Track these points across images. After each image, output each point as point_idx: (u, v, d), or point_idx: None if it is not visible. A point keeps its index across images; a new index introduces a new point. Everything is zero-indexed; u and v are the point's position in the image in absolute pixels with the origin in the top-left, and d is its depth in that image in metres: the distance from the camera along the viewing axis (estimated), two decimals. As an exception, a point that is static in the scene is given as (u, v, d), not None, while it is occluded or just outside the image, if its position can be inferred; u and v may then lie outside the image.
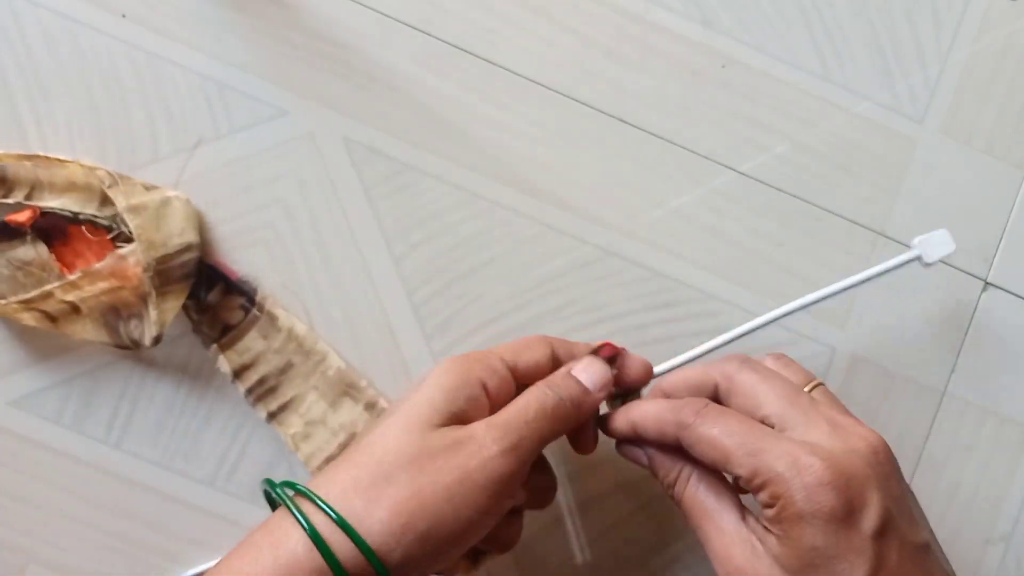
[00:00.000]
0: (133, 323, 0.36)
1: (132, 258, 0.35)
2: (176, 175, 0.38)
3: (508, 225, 0.39)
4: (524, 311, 0.39)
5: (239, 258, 0.38)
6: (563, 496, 0.38)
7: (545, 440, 0.31)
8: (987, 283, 0.41)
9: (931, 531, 0.31)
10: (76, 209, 0.36)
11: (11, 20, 0.38)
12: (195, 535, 0.37)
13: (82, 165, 0.37)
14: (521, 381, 0.32)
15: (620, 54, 0.40)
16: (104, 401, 0.37)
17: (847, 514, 0.28)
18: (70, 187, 0.36)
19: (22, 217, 0.36)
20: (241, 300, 0.37)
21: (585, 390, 0.32)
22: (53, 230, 0.36)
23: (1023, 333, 0.41)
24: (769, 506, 0.29)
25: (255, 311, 0.37)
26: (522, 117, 0.39)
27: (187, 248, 0.36)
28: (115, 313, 0.36)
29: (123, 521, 0.36)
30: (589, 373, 0.32)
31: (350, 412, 0.37)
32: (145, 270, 0.35)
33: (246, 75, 0.38)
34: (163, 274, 0.35)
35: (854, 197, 0.40)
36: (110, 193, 0.36)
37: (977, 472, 0.40)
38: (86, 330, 0.36)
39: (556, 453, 0.38)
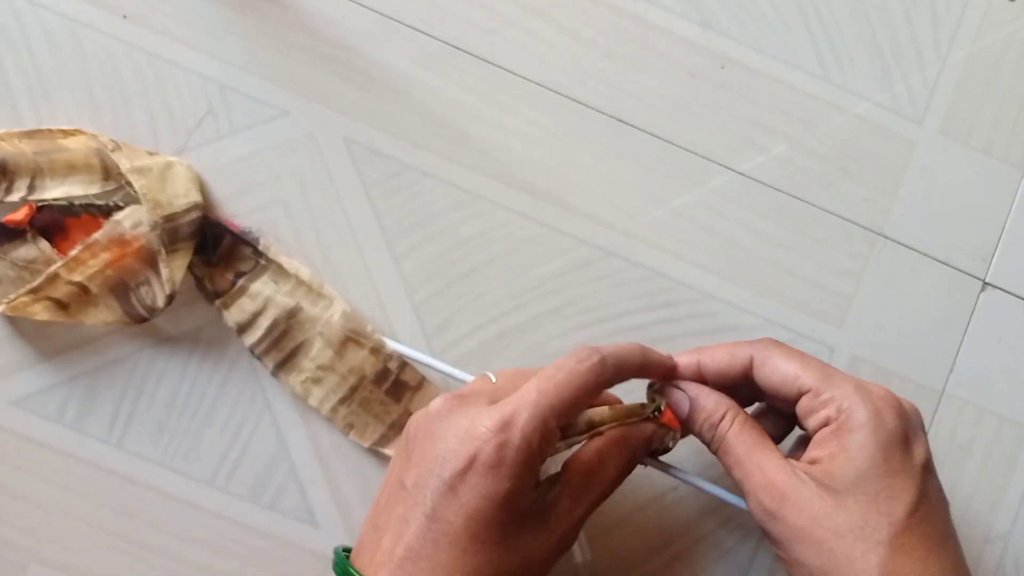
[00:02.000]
0: (143, 291, 0.36)
1: (128, 222, 0.35)
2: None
3: (508, 225, 0.39)
4: (524, 311, 0.39)
5: (240, 258, 0.38)
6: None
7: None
8: (985, 283, 0.41)
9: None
10: (79, 192, 0.36)
11: (13, 20, 0.38)
12: (196, 534, 0.37)
13: (87, 133, 0.37)
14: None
15: (619, 55, 0.40)
16: (105, 401, 0.37)
17: (904, 441, 0.30)
18: (71, 171, 0.36)
19: (19, 216, 0.36)
20: (249, 250, 0.37)
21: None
22: (51, 226, 0.36)
23: (1021, 333, 0.41)
24: (828, 423, 0.30)
25: (262, 261, 0.37)
26: (522, 117, 0.39)
27: (193, 207, 0.36)
28: (124, 286, 0.36)
29: (124, 520, 0.37)
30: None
31: (355, 356, 0.37)
32: (153, 228, 0.35)
33: (247, 76, 0.38)
34: (171, 232, 0.35)
35: (853, 197, 0.40)
36: (114, 157, 0.36)
37: (975, 472, 0.40)
38: (99, 312, 0.36)
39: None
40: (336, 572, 0.30)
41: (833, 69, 0.41)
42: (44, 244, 0.36)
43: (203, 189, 0.37)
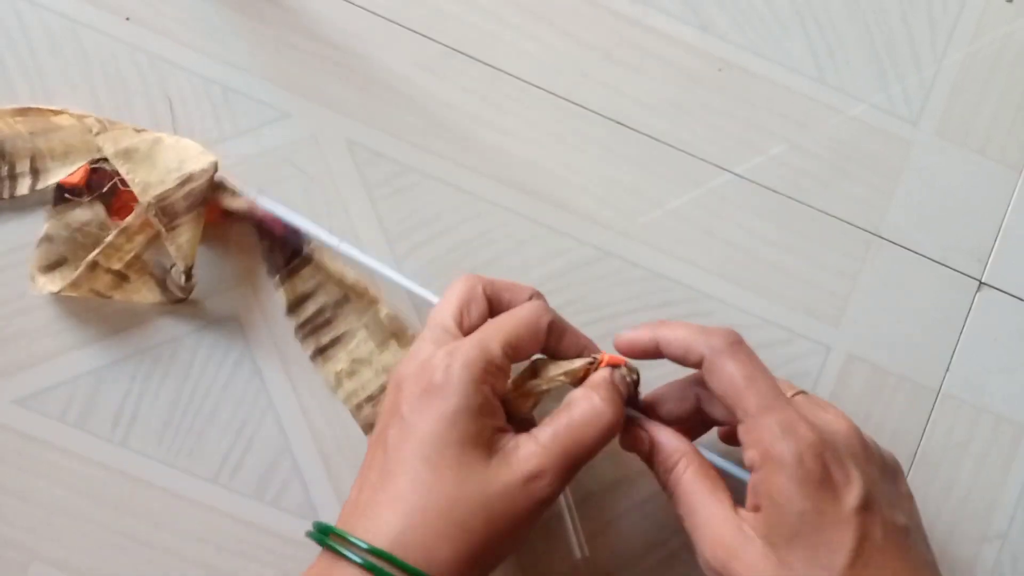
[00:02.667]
0: (174, 271, 0.36)
1: (137, 220, 0.36)
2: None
3: (508, 226, 0.39)
4: (524, 311, 0.39)
5: (241, 258, 0.38)
6: (562, 493, 0.38)
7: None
8: (982, 283, 0.41)
9: (911, 518, 0.32)
10: (79, 157, 0.36)
11: (15, 21, 0.38)
12: (199, 532, 0.37)
13: (71, 114, 0.37)
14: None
15: (618, 58, 0.40)
16: (109, 399, 0.37)
17: (832, 485, 0.29)
18: (69, 149, 0.37)
19: (75, 178, 0.36)
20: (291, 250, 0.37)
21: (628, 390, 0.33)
22: (105, 187, 0.36)
23: (1018, 332, 0.41)
24: (757, 467, 0.30)
25: (315, 245, 0.37)
26: (521, 120, 0.40)
27: (187, 179, 0.36)
28: (161, 268, 0.36)
29: (127, 518, 0.37)
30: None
31: (395, 355, 0.37)
32: (148, 211, 0.35)
33: (249, 77, 0.39)
34: (167, 210, 0.35)
35: (849, 198, 0.41)
36: (99, 141, 0.36)
37: (972, 471, 0.40)
38: (143, 294, 0.36)
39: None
40: (315, 539, 0.30)
41: (829, 71, 0.41)
42: (99, 208, 0.36)
43: (206, 151, 0.37)
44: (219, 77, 0.38)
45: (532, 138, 0.40)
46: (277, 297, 0.37)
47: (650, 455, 0.32)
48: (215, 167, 0.36)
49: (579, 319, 0.39)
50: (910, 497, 0.33)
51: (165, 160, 0.36)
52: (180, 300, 0.37)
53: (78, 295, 0.36)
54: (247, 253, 0.38)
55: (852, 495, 0.29)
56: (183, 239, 0.35)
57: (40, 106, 0.37)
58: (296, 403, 0.38)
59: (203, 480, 0.37)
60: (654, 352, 0.33)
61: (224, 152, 0.38)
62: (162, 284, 0.37)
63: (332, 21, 0.39)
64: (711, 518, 0.30)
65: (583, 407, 0.31)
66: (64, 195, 0.36)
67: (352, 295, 0.37)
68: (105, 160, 0.36)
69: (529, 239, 0.39)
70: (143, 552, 0.37)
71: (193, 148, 0.37)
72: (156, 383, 0.37)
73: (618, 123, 0.40)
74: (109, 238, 0.35)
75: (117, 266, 0.36)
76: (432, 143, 0.39)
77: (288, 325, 0.38)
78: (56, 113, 0.37)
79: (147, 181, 0.35)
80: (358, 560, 0.28)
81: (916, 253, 0.41)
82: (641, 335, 0.33)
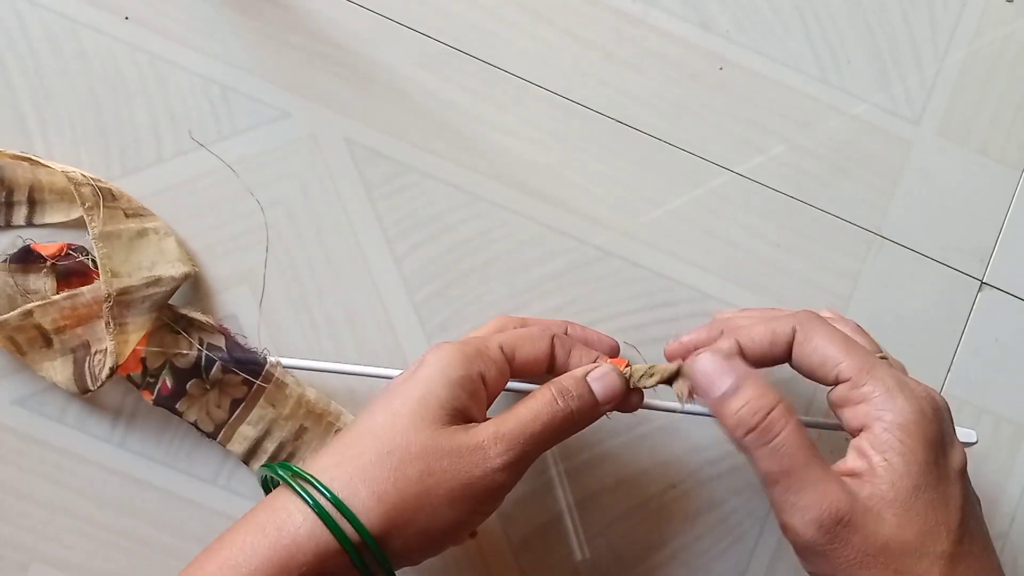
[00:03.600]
0: (97, 359, 0.35)
1: (91, 295, 0.35)
2: (178, 174, 0.38)
3: (508, 226, 0.39)
4: (524, 310, 0.39)
5: (242, 259, 0.38)
6: (562, 493, 0.38)
7: (546, 448, 0.31)
8: (983, 283, 0.41)
9: None
10: (78, 214, 0.36)
11: (15, 21, 0.38)
12: (198, 532, 0.37)
13: (69, 178, 0.36)
14: (517, 373, 0.32)
15: (618, 56, 0.40)
16: (108, 400, 0.37)
17: (943, 444, 0.28)
18: (64, 193, 0.36)
19: (50, 250, 0.36)
20: (240, 377, 0.36)
21: (596, 403, 0.31)
22: (74, 273, 0.36)
23: (1019, 332, 0.41)
24: (865, 429, 0.28)
25: (261, 383, 0.36)
26: (521, 119, 0.40)
27: (154, 282, 0.35)
28: (85, 349, 0.35)
29: (126, 519, 0.37)
30: (604, 384, 0.31)
31: None
32: (106, 300, 0.34)
33: (249, 77, 0.39)
34: (123, 304, 0.34)
35: (851, 198, 0.40)
36: (86, 217, 0.35)
37: (973, 471, 0.39)
38: (53, 367, 0.35)
39: (555, 450, 0.38)
40: (273, 476, 0.30)
41: (831, 70, 0.41)
42: (51, 283, 0.36)
43: (185, 259, 0.37)
44: (218, 76, 0.38)
45: (532, 137, 0.39)
46: (231, 449, 0.36)
47: (732, 392, 0.29)
48: (185, 277, 0.36)
49: (580, 319, 0.39)
50: None
51: (140, 255, 0.35)
52: (85, 391, 0.35)
53: None
54: (246, 252, 0.38)
55: (957, 456, 0.29)
56: (124, 338, 0.34)
57: (41, 160, 0.36)
58: (296, 403, 0.38)
59: (202, 481, 0.37)
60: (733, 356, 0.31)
61: (222, 151, 0.38)
62: (79, 367, 0.35)
63: (331, 20, 0.39)
64: (821, 481, 0.27)
65: (544, 396, 0.31)
66: (29, 256, 0.36)
67: (309, 421, 0.36)
68: (82, 246, 0.36)
69: (529, 239, 0.39)
70: (142, 552, 0.37)
71: (173, 252, 0.36)
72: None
73: (619, 122, 0.40)
74: (56, 296, 0.35)
75: (48, 325, 0.35)
76: (432, 142, 0.39)
77: (287, 327, 0.37)
78: (53, 172, 0.36)
79: (116, 270, 0.34)
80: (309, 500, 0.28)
81: (917, 253, 0.41)
82: (724, 347, 0.31)
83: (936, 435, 0.28)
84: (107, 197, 0.36)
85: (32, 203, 0.37)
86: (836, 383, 0.30)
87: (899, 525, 0.27)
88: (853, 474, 0.28)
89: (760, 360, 0.31)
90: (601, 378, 0.31)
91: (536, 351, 0.32)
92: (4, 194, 0.36)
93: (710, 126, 0.40)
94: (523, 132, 0.39)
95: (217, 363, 0.35)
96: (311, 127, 0.39)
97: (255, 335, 0.38)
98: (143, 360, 0.36)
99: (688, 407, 0.32)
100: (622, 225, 0.40)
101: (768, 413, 0.28)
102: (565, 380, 0.31)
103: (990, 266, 0.41)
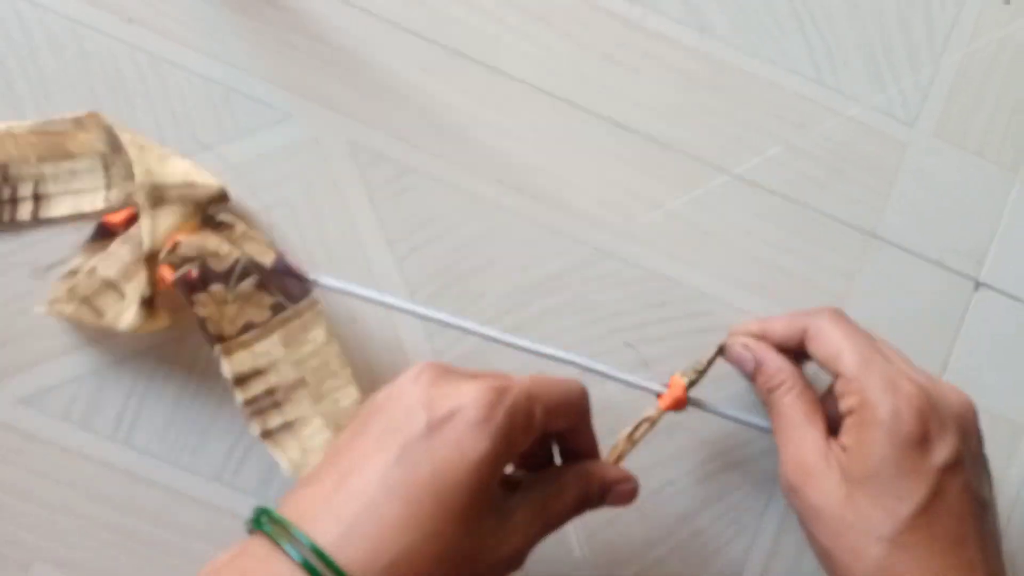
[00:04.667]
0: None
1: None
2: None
3: (508, 227, 0.39)
4: (524, 311, 0.39)
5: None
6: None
7: None
8: (979, 283, 0.41)
9: (994, 500, 0.33)
10: (87, 207, 0.36)
11: (15, 22, 0.38)
12: (202, 530, 0.37)
13: (96, 121, 0.35)
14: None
15: (617, 59, 0.40)
16: (112, 398, 0.37)
17: (922, 441, 0.30)
18: (74, 177, 0.36)
19: (117, 218, 0.35)
20: (272, 300, 0.33)
21: (599, 504, 0.32)
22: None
23: (1014, 332, 0.41)
24: (853, 412, 0.31)
25: (289, 313, 0.33)
26: (522, 121, 0.40)
27: (189, 185, 0.34)
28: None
29: (130, 517, 0.37)
30: (617, 499, 0.32)
31: None
32: (137, 192, 0.33)
33: (251, 79, 0.39)
34: (157, 194, 0.33)
35: (847, 199, 0.41)
36: (116, 130, 0.34)
37: (968, 469, 0.40)
38: (133, 312, 0.34)
39: (554, 450, 0.38)
40: (253, 525, 0.26)
41: (827, 72, 0.41)
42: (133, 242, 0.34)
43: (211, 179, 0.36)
44: (220, 78, 0.38)
45: (532, 139, 0.40)
46: (222, 366, 0.34)
47: (754, 374, 0.34)
48: (220, 193, 0.35)
49: (578, 319, 0.39)
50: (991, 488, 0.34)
51: (175, 166, 0.35)
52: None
53: (70, 310, 0.34)
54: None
55: (941, 452, 0.30)
56: (162, 219, 0.33)
57: (64, 117, 0.36)
58: (297, 402, 0.38)
59: (206, 478, 0.37)
60: (757, 338, 0.35)
61: (225, 153, 0.38)
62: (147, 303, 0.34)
63: (333, 22, 0.39)
64: (801, 440, 0.32)
65: (574, 493, 0.30)
66: (104, 232, 0.35)
67: (314, 376, 0.34)
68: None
69: (529, 240, 0.39)
70: (146, 551, 0.37)
71: (209, 176, 0.36)
72: (159, 381, 0.37)
73: (617, 124, 0.40)
74: (112, 246, 0.34)
75: (115, 275, 0.34)
76: (433, 144, 0.39)
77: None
78: (80, 125, 0.36)
79: (151, 168, 0.34)
80: (296, 557, 0.25)
81: (913, 253, 0.41)
82: (750, 327, 0.36)
83: (909, 433, 0.30)
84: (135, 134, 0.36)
85: (37, 198, 0.37)
86: (839, 376, 0.32)
87: (848, 498, 0.30)
88: (843, 447, 0.31)
89: (782, 347, 0.35)
90: (619, 495, 0.32)
91: (572, 422, 0.31)
92: (9, 191, 0.36)
93: (707, 128, 0.40)
94: (523, 134, 0.40)
95: (253, 277, 0.33)
96: (314, 129, 0.39)
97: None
98: (177, 244, 0.33)
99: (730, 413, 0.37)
100: (620, 226, 0.40)
101: (777, 386, 0.33)
102: (594, 484, 0.31)
103: (986, 267, 0.41)
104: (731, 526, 0.39)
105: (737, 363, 0.35)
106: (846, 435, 0.31)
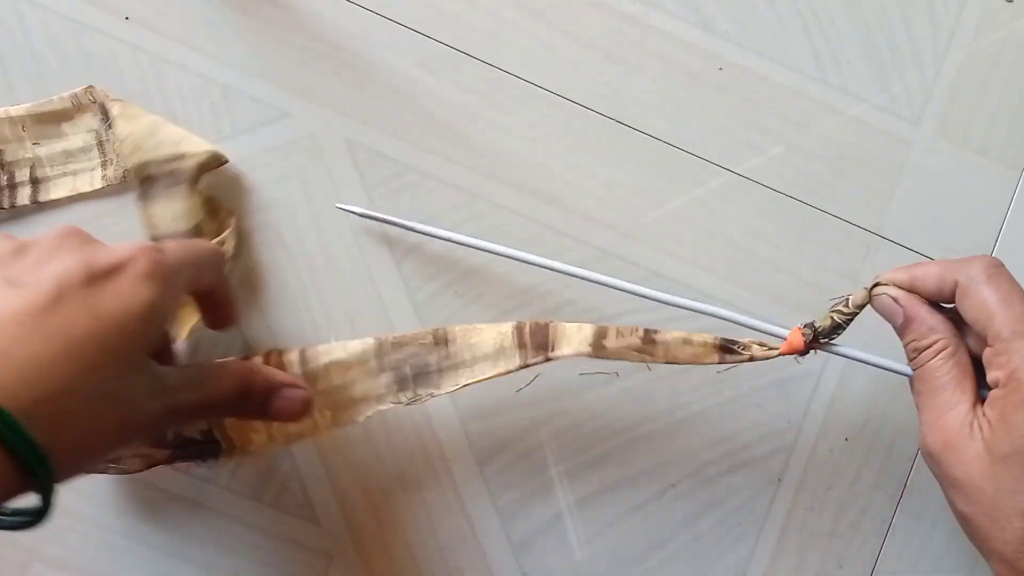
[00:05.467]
0: None
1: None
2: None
3: (508, 226, 0.39)
4: (524, 311, 0.39)
5: (243, 258, 0.38)
6: (562, 493, 0.38)
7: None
8: (982, 283, 0.41)
9: None
10: (86, 187, 0.36)
11: (16, 22, 0.38)
12: (199, 532, 0.37)
13: (93, 88, 0.37)
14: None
15: (618, 57, 0.40)
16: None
17: None
18: (68, 158, 0.37)
19: None
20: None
21: (263, 410, 0.32)
22: None
23: (1018, 333, 0.41)
24: (1000, 385, 0.30)
25: None
26: (521, 119, 0.40)
27: (179, 157, 0.35)
28: None
29: (128, 519, 0.37)
30: (285, 404, 0.32)
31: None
32: (129, 172, 0.35)
33: (249, 77, 0.39)
34: (144, 173, 0.35)
35: (850, 198, 0.41)
36: (109, 105, 0.35)
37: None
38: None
39: (555, 451, 0.38)
40: None
41: (831, 71, 0.41)
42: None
43: (211, 147, 0.36)
44: (218, 77, 0.38)
45: (532, 137, 0.40)
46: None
47: (902, 328, 0.32)
48: (212, 159, 0.36)
49: (579, 319, 0.39)
50: None
51: (164, 135, 0.36)
52: None
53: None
54: (247, 251, 0.38)
55: None
56: (150, 212, 0.35)
57: (54, 104, 0.37)
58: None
59: (202, 480, 0.37)
60: (907, 289, 0.33)
61: (224, 152, 0.38)
62: None
63: (331, 20, 0.39)
64: (945, 407, 0.31)
65: (219, 383, 0.30)
66: None
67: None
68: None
69: (529, 239, 0.39)
70: (143, 553, 0.37)
71: (199, 139, 0.36)
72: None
73: (618, 122, 0.40)
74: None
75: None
76: (432, 143, 0.39)
77: (287, 327, 0.37)
78: (76, 105, 0.37)
79: (140, 144, 0.35)
80: None
81: (916, 253, 0.41)
82: (898, 276, 0.33)
83: None
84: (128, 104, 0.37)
85: (35, 182, 0.37)
86: (989, 343, 0.30)
87: (991, 471, 0.29)
88: (988, 421, 0.30)
89: (932, 298, 0.32)
90: (289, 400, 0.32)
91: (210, 279, 0.32)
92: (6, 177, 0.37)
93: (710, 126, 0.40)
94: (523, 132, 0.40)
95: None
96: (311, 127, 0.39)
97: (254, 335, 0.38)
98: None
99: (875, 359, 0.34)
100: (622, 225, 0.40)
101: (924, 350, 0.32)
102: (259, 383, 0.31)
103: (989, 266, 0.41)
104: (734, 530, 0.39)
105: (885, 315, 0.33)
106: (991, 408, 0.30)
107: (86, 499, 0.37)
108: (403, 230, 0.37)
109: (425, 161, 0.39)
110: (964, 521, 0.31)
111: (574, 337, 0.34)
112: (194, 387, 0.29)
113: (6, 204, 0.37)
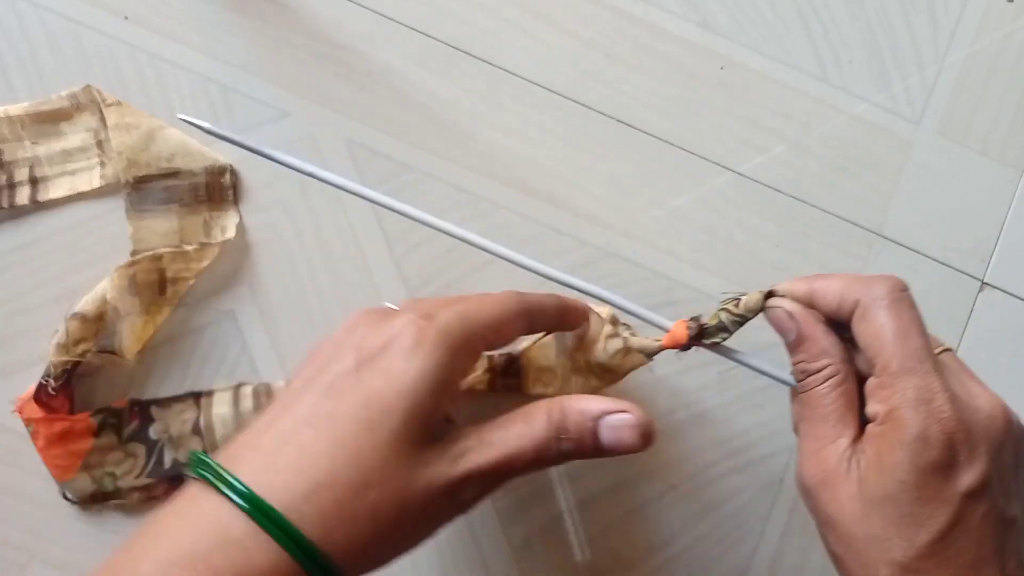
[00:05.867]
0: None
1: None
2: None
3: (508, 226, 0.39)
4: (524, 311, 0.39)
5: (242, 258, 0.38)
6: (562, 495, 0.38)
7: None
8: (984, 283, 0.41)
9: (1022, 512, 0.30)
10: (85, 186, 0.36)
11: (15, 22, 0.38)
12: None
13: (92, 88, 0.37)
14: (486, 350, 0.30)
15: (619, 56, 0.40)
16: (105, 400, 0.37)
17: (948, 467, 0.27)
18: (67, 157, 0.37)
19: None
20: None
21: (598, 450, 0.28)
22: None
23: (1020, 333, 0.41)
24: (878, 421, 0.28)
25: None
26: (522, 118, 0.39)
27: (173, 174, 0.36)
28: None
29: (126, 519, 0.36)
30: (617, 438, 0.28)
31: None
32: (124, 187, 0.35)
33: (248, 77, 0.39)
34: (140, 193, 0.35)
35: (851, 198, 0.40)
36: (106, 112, 0.36)
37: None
38: (161, 313, 0.36)
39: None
40: (188, 471, 0.26)
41: (832, 70, 0.41)
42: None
43: (209, 154, 0.37)
44: (217, 76, 0.38)
45: (533, 137, 0.39)
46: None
47: (794, 346, 0.30)
48: (208, 172, 0.36)
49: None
50: None
51: (160, 147, 0.36)
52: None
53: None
54: (246, 251, 0.38)
55: (967, 479, 0.27)
56: (145, 223, 0.35)
57: (53, 103, 0.37)
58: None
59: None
60: (804, 304, 0.30)
61: (222, 152, 0.38)
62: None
63: (331, 19, 0.39)
64: (827, 439, 0.29)
65: (536, 429, 0.28)
66: None
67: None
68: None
69: (529, 239, 0.39)
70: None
71: (195, 147, 0.37)
72: (153, 384, 0.37)
73: (619, 121, 0.40)
74: (189, 248, 0.36)
75: (170, 273, 0.36)
76: (432, 142, 0.39)
77: (286, 326, 0.37)
78: (75, 104, 0.37)
79: (135, 159, 0.35)
80: (242, 505, 0.24)
81: (918, 253, 0.41)
82: (798, 288, 0.31)
83: (934, 460, 0.27)
84: (122, 104, 0.37)
85: (34, 182, 0.37)
86: (873, 373, 0.29)
87: (863, 515, 0.28)
88: (863, 454, 0.29)
89: (831, 316, 0.30)
90: (617, 429, 0.28)
91: (516, 333, 0.30)
92: (5, 177, 0.37)
93: (711, 125, 0.40)
94: (523, 131, 0.39)
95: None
96: (311, 127, 0.39)
97: (253, 334, 0.38)
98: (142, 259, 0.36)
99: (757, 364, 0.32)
100: (623, 225, 0.40)
101: (812, 374, 0.30)
102: (571, 417, 0.28)
103: (991, 266, 0.41)
104: (735, 531, 0.39)
105: (777, 328, 0.31)
106: (868, 444, 0.28)
107: (85, 500, 0.37)
108: (402, 229, 0.37)
109: (425, 160, 0.39)
110: (835, 560, 0.29)
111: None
112: (489, 447, 0.27)
113: (5, 204, 0.37)
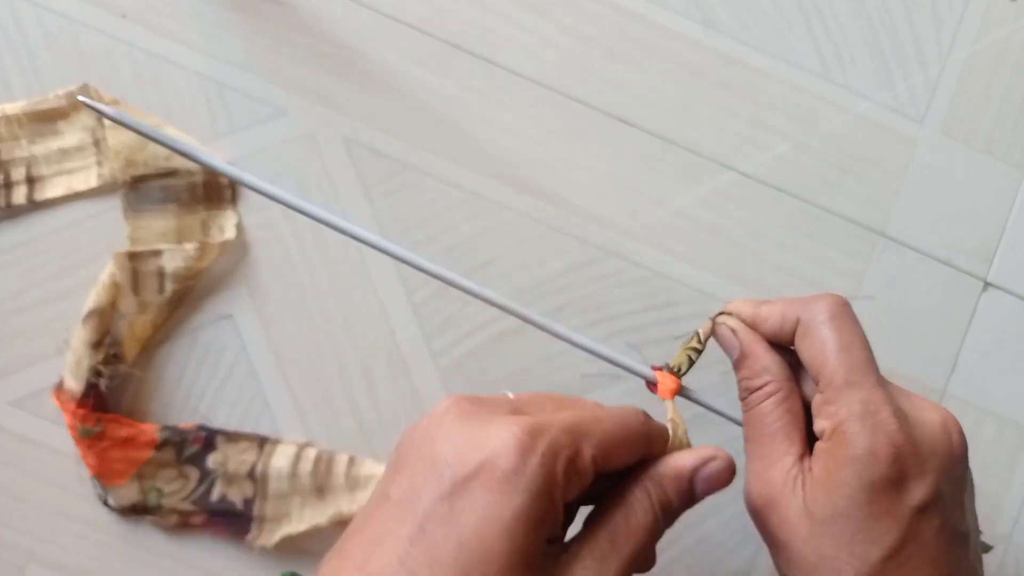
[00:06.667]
0: None
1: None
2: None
3: (508, 225, 0.39)
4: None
5: (240, 258, 0.38)
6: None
7: None
8: (987, 283, 0.41)
9: (976, 523, 0.30)
10: (82, 186, 0.36)
11: (11, 20, 0.38)
12: (195, 537, 0.37)
13: (88, 87, 0.37)
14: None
15: (620, 54, 0.40)
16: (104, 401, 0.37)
17: (897, 482, 0.27)
18: (64, 157, 0.37)
19: None
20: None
21: (693, 502, 0.28)
22: None
23: (1022, 333, 0.41)
24: (825, 437, 0.28)
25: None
26: (522, 117, 0.39)
27: (170, 173, 0.36)
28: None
29: (123, 520, 0.36)
30: (710, 484, 0.27)
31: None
32: (120, 185, 0.35)
33: (246, 75, 0.38)
34: (136, 192, 0.35)
35: (854, 197, 0.40)
36: (101, 109, 0.36)
37: (976, 472, 0.39)
38: (160, 312, 0.36)
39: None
40: None
41: (835, 68, 0.41)
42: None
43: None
44: (215, 74, 0.38)
45: (533, 135, 0.39)
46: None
47: (738, 364, 0.30)
48: (204, 169, 0.36)
49: (580, 320, 0.39)
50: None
51: (159, 148, 0.36)
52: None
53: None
54: (244, 251, 0.38)
55: (917, 494, 0.27)
56: (142, 223, 0.35)
57: (57, 94, 0.37)
58: (291, 404, 0.37)
59: (200, 482, 0.37)
60: (748, 326, 0.31)
61: (220, 150, 0.38)
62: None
63: (329, 17, 0.39)
64: (772, 458, 0.28)
65: (643, 514, 0.26)
66: None
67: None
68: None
69: (530, 238, 0.39)
70: (138, 555, 0.36)
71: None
72: (151, 385, 0.37)
73: (620, 120, 0.40)
74: (189, 246, 0.36)
75: (169, 270, 0.36)
76: (431, 141, 0.39)
77: (284, 327, 0.37)
78: (71, 103, 0.37)
79: (132, 159, 0.35)
80: None
81: (921, 252, 0.40)
82: (744, 309, 0.31)
83: (883, 475, 0.27)
84: (125, 104, 0.37)
85: (31, 181, 0.37)
86: (818, 390, 0.29)
87: (812, 535, 0.27)
88: (811, 471, 0.28)
89: (775, 338, 0.30)
90: (710, 479, 0.27)
91: (630, 459, 0.27)
92: (2, 176, 0.37)
93: (712, 124, 0.40)
94: (524, 130, 0.39)
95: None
96: (309, 125, 0.38)
97: (251, 335, 0.37)
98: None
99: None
100: (623, 224, 0.39)
101: (758, 387, 0.30)
102: (668, 487, 0.27)
103: (994, 266, 0.41)
104: (737, 532, 0.39)
105: (723, 346, 0.31)
106: (816, 461, 0.28)
107: (83, 501, 0.36)
108: (401, 229, 0.37)
109: (424, 159, 0.39)
110: None
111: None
112: (607, 562, 0.25)
113: (2, 203, 0.37)
